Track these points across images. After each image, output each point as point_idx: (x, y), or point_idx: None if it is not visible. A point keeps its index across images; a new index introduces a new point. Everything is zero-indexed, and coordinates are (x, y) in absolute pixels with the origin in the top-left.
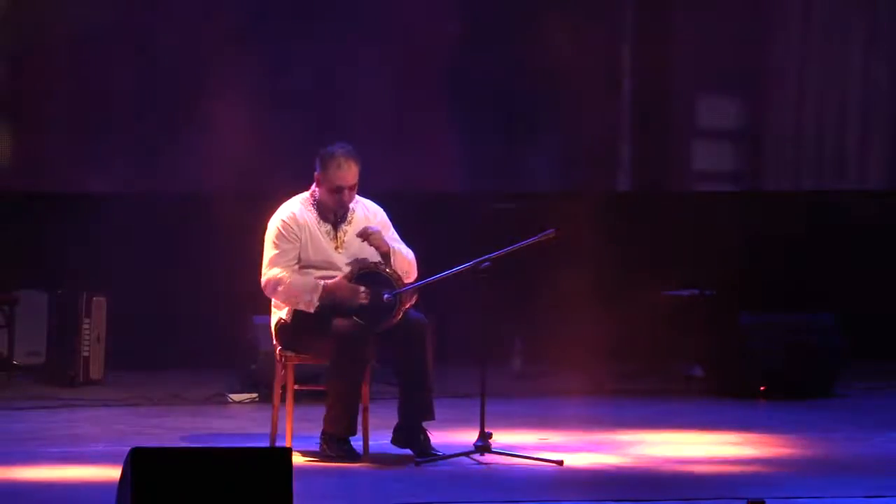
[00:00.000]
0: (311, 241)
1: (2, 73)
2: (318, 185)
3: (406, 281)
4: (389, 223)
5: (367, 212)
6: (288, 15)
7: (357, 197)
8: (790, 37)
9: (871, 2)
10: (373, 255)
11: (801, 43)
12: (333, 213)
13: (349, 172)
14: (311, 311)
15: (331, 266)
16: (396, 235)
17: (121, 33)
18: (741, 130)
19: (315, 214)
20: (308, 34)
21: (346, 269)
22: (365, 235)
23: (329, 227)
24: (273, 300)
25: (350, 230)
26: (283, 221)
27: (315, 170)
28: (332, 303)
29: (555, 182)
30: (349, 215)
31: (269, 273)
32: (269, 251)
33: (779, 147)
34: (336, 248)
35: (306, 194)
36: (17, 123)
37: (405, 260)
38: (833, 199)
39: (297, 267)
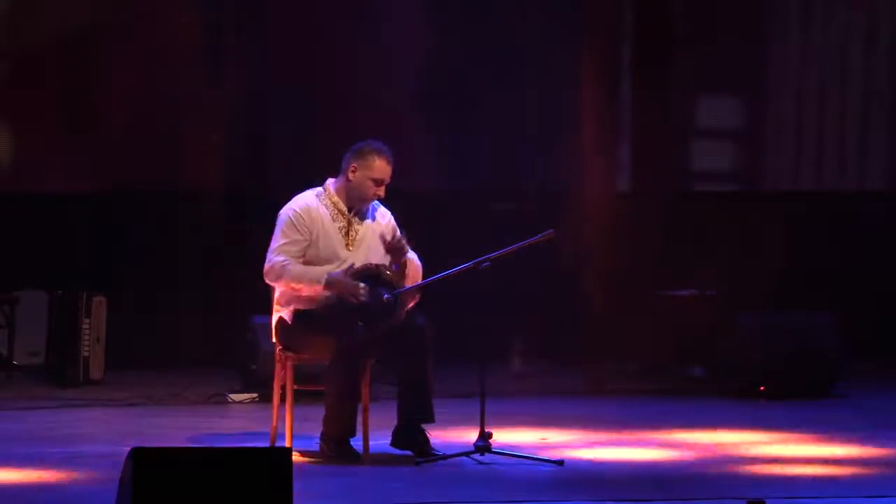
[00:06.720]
0: (323, 235)
1: (2, 73)
2: (352, 175)
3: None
4: (396, 228)
5: (376, 213)
6: (287, 14)
7: None
8: (790, 37)
9: (871, 2)
10: (381, 257)
11: (801, 43)
12: (356, 209)
13: (390, 167)
14: (315, 292)
15: (338, 263)
16: None
17: (121, 33)
18: (741, 130)
19: (329, 210)
20: (308, 34)
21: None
22: (394, 246)
23: (342, 223)
24: (274, 298)
25: (361, 230)
26: (296, 212)
27: (345, 163)
28: (333, 294)
29: (555, 182)
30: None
31: (273, 259)
32: (277, 238)
33: (779, 147)
34: (347, 245)
35: (320, 189)
36: (17, 123)
37: (417, 268)
38: (833, 199)
39: (301, 260)
